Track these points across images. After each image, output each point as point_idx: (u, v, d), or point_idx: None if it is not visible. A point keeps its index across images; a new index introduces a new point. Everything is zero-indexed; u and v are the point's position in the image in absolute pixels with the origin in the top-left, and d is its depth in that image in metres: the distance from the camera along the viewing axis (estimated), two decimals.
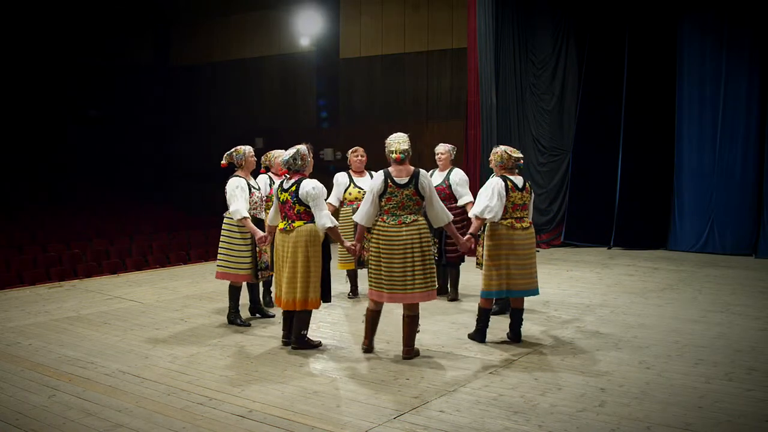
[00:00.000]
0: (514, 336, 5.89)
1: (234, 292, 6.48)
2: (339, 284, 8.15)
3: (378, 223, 5.37)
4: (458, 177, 7.27)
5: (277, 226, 5.71)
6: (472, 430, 4.05)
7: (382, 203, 5.35)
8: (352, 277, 7.68)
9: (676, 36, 11.10)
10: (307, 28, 15.05)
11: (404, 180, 5.30)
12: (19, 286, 9.03)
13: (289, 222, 5.54)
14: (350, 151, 7.54)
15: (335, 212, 7.26)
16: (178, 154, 18.39)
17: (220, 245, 6.43)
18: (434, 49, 14.00)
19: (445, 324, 6.50)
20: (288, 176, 5.64)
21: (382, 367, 5.23)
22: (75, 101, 17.72)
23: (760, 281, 8.60)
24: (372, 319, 5.57)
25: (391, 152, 5.34)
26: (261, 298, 6.95)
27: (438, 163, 7.43)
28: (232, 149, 6.47)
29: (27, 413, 4.32)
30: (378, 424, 4.12)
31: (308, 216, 5.50)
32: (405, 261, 5.26)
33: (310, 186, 5.47)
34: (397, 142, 5.37)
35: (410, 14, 14.27)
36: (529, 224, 5.82)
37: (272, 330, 6.29)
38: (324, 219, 5.45)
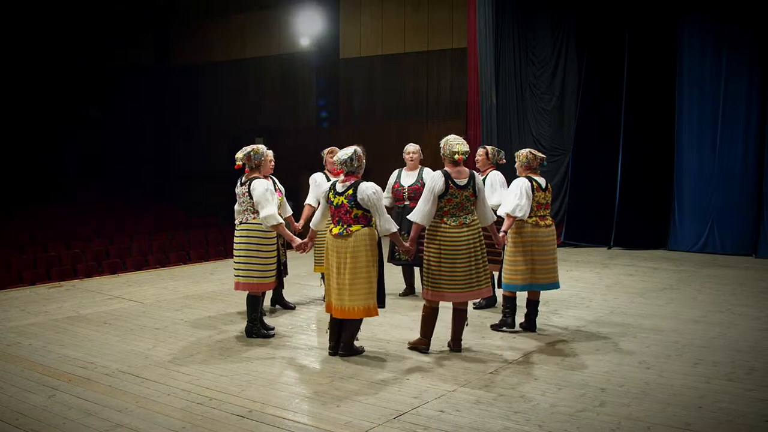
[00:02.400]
0: (530, 326, 6.17)
1: (254, 302, 6.00)
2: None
3: (439, 225, 5.41)
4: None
5: (327, 231, 5.46)
6: (472, 430, 4.05)
7: (442, 204, 5.39)
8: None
9: (676, 36, 11.10)
10: (307, 28, 15.06)
11: (464, 181, 5.41)
12: (19, 286, 9.03)
13: (346, 226, 5.29)
14: (326, 151, 7.33)
15: (313, 213, 7.17)
16: (178, 154, 18.39)
17: (239, 253, 5.91)
18: (434, 49, 14.02)
19: (444, 324, 6.49)
20: (341, 178, 5.42)
21: (382, 367, 5.23)
22: (75, 101, 17.73)
23: (760, 281, 8.60)
24: (431, 318, 5.56)
25: (454, 153, 5.41)
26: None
27: (409, 162, 7.46)
28: (249, 149, 5.94)
29: (27, 413, 4.32)
30: (378, 424, 4.12)
31: (365, 220, 5.29)
32: (469, 261, 5.38)
33: (371, 190, 5.27)
34: (459, 143, 5.46)
35: (410, 14, 14.28)
36: (551, 222, 6.15)
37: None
38: (388, 224, 5.31)
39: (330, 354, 5.51)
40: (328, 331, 5.56)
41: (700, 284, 8.43)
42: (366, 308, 5.28)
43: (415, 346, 5.61)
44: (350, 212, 5.29)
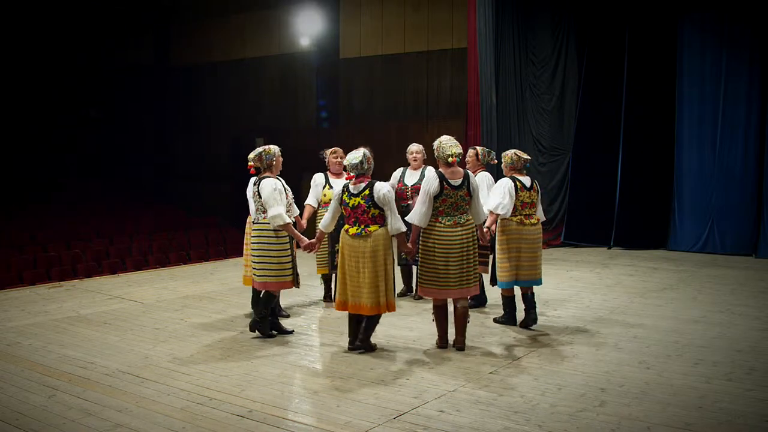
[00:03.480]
0: (528, 321, 6.27)
1: (269, 300, 5.99)
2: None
3: (434, 224, 5.53)
4: None
5: (343, 231, 5.52)
6: (472, 430, 4.05)
7: (437, 204, 5.52)
8: (327, 281, 7.50)
9: (676, 36, 11.09)
10: (307, 28, 15.04)
11: (458, 181, 5.54)
12: (19, 286, 9.03)
13: (363, 227, 5.42)
14: (329, 151, 7.36)
15: (314, 213, 7.21)
16: (178, 154, 18.38)
17: (254, 253, 5.97)
18: (434, 49, 14.00)
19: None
20: (352, 180, 5.49)
21: (382, 367, 5.23)
22: (75, 101, 17.72)
23: (760, 281, 8.60)
24: (438, 316, 5.70)
25: (447, 156, 5.54)
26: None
27: (413, 162, 7.48)
28: (260, 149, 5.99)
29: (27, 413, 4.32)
30: (378, 424, 4.13)
31: (382, 219, 5.44)
32: (461, 260, 5.50)
33: (386, 189, 5.44)
34: (451, 145, 5.60)
35: (410, 14, 14.26)
36: (537, 221, 6.29)
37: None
38: (399, 223, 5.45)
39: (349, 349, 5.61)
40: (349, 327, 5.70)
41: (700, 284, 8.43)
42: (386, 304, 5.44)
43: (437, 345, 5.74)
44: (368, 212, 5.42)
